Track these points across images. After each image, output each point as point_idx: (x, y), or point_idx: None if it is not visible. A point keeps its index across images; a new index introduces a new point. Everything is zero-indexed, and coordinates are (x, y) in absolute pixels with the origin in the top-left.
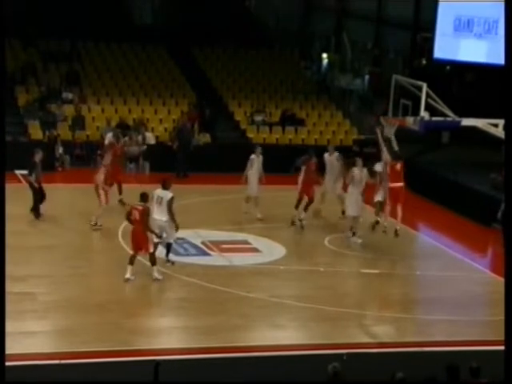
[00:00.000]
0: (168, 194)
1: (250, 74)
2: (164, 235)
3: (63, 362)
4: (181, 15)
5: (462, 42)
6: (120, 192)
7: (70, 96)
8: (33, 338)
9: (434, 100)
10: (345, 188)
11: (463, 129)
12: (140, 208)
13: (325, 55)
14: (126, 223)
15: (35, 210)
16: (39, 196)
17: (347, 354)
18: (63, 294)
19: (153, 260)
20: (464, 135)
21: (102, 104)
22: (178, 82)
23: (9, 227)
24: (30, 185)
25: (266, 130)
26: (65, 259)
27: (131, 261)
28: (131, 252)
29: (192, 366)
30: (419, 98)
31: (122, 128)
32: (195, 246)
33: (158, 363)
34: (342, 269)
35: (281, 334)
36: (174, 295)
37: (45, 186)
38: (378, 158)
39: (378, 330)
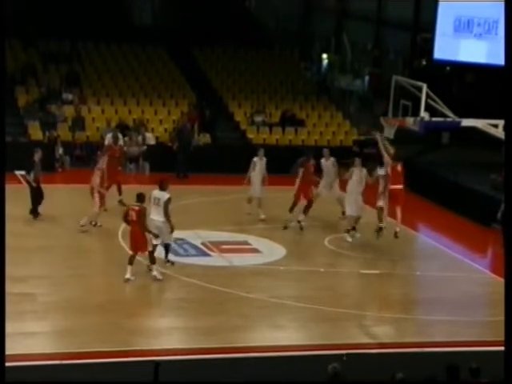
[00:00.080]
0: (165, 195)
1: (250, 75)
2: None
3: (63, 362)
4: (181, 16)
5: (461, 43)
6: (120, 193)
7: (70, 97)
8: (33, 339)
9: (434, 100)
10: (342, 187)
11: (463, 129)
12: (137, 208)
13: (325, 56)
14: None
15: (34, 211)
16: (37, 195)
17: (347, 354)
18: (63, 294)
19: (152, 259)
20: (464, 136)
21: (102, 105)
22: (178, 83)
23: (9, 228)
24: (28, 184)
25: (266, 131)
26: (65, 260)
27: (131, 261)
28: (130, 252)
29: (192, 366)
30: (419, 99)
31: (122, 128)
32: (195, 247)
33: (157, 363)
34: (342, 269)
35: (281, 334)
36: (173, 295)
37: (45, 186)
38: (378, 159)
39: (377, 331)
